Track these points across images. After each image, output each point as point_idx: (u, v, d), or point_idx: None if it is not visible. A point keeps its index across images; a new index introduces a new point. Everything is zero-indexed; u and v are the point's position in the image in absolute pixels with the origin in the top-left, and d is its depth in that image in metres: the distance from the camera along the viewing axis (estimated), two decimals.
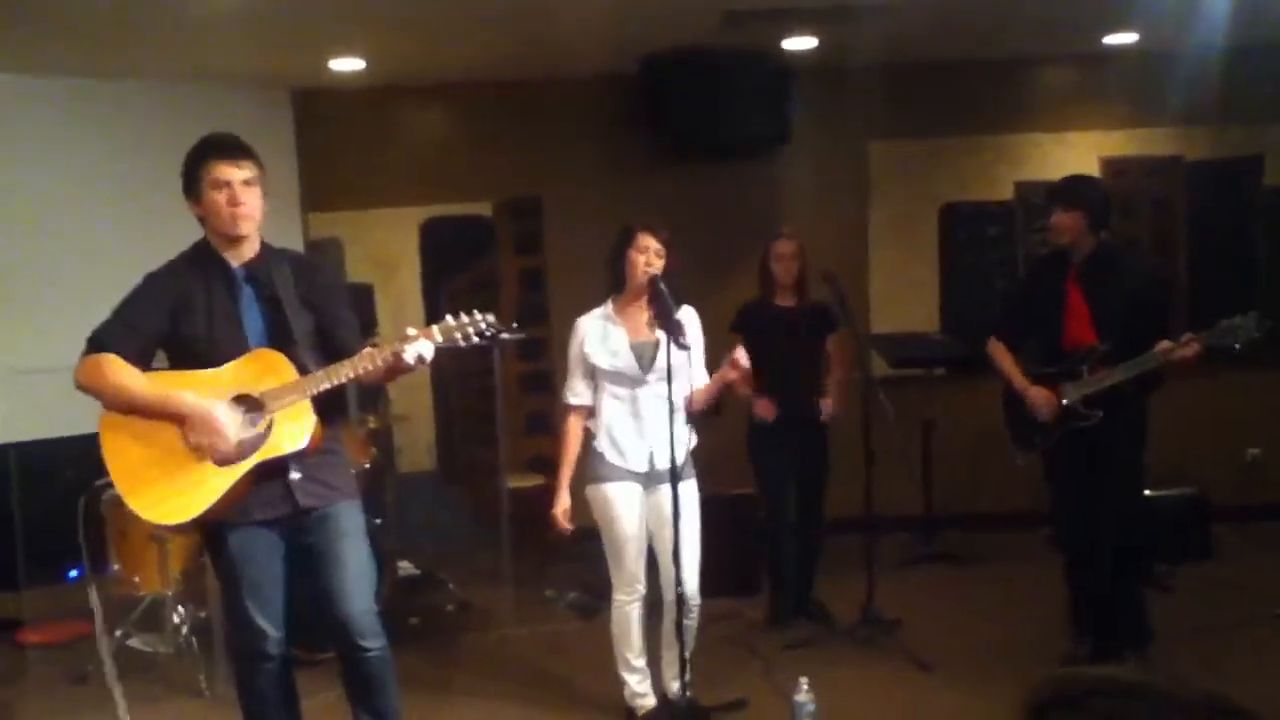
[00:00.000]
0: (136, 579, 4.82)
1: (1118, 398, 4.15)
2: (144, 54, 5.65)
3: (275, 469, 3.10)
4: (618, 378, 3.95)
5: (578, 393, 4.03)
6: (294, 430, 3.06)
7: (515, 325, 3.29)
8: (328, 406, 3.19)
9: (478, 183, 6.78)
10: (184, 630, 4.83)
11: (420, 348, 3.04)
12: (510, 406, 6.29)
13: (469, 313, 3.14)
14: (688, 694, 3.82)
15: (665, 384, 3.66)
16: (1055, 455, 4.35)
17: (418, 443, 6.61)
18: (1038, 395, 4.31)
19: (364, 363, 3.06)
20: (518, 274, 6.84)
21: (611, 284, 4.02)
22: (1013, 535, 6.21)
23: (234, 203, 3.09)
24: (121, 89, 6.02)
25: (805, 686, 3.83)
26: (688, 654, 3.91)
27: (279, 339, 3.13)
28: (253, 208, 3.13)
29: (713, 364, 4.26)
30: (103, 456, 3.10)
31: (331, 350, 3.18)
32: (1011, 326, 4.54)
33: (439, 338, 3.09)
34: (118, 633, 4.82)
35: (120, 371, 3.05)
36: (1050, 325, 4.34)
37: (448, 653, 5.00)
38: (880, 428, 4.67)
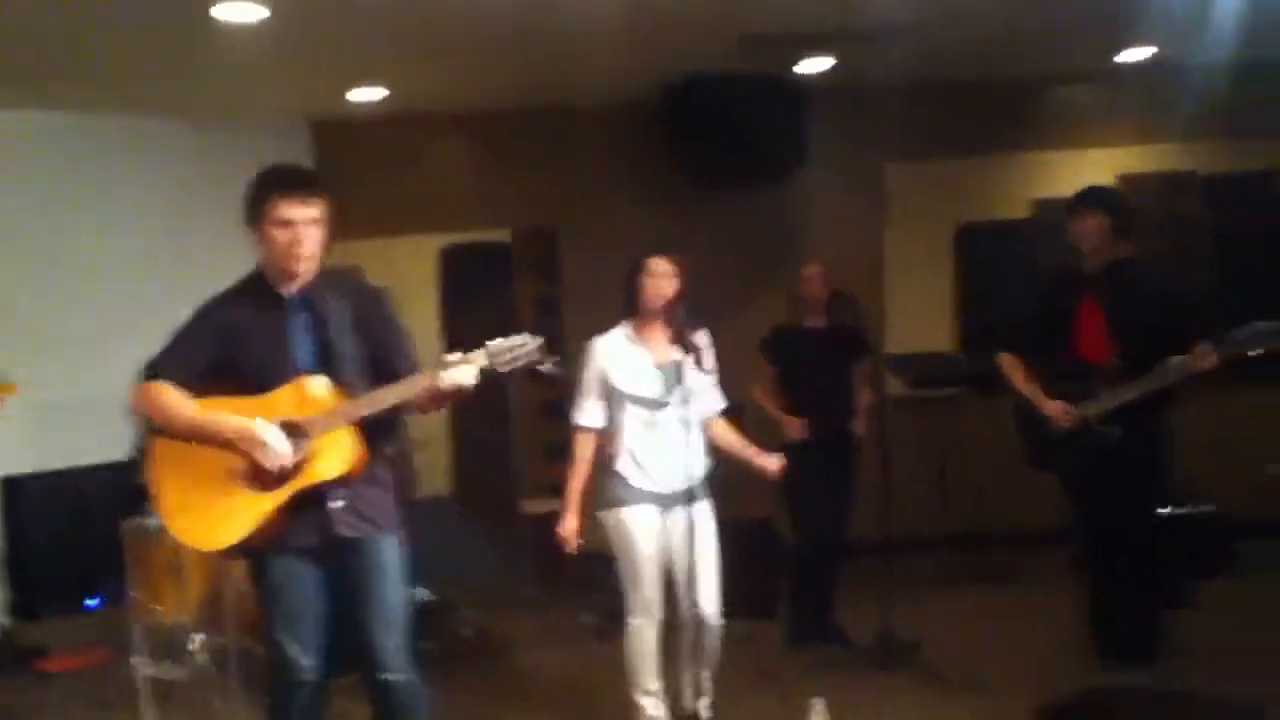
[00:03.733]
0: (155, 607, 4.84)
1: (1137, 414, 4.11)
2: (162, 88, 5.73)
3: (315, 496, 3.10)
4: (639, 400, 3.95)
5: (592, 415, 4.03)
6: (334, 457, 3.05)
7: (557, 358, 3.15)
8: (373, 436, 3.17)
9: (497, 210, 6.82)
10: (202, 658, 4.84)
11: (460, 374, 2.98)
12: (528, 433, 6.30)
13: (520, 334, 3.06)
14: (708, 716, 3.80)
15: (685, 406, 3.67)
16: (1075, 473, 4.32)
17: (434, 468, 6.62)
18: (1055, 408, 4.28)
19: (404, 390, 3.03)
20: (535, 301, 6.86)
21: (627, 310, 4.04)
22: (1034, 555, 6.14)
23: (296, 243, 3.09)
24: (140, 124, 6.11)
25: (820, 707, 3.80)
26: (707, 673, 3.90)
27: (327, 366, 3.12)
28: (313, 247, 3.13)
29: (733, 388, 4.27)
30: (150, 480, 3.15)
31: (387, 379, 3.12)
32: (1025, 341, 4.50)
33: (484, 361, 3.02)
34: (136, 660, 4.84)
35: (168, 398, 3.08)
36: (1064, 340, 4.31)
37: (464, 680, 4.98)
38: (899, 449, 4.66)
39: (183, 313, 6.41)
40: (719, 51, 5.62)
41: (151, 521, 4.94)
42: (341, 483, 3.09)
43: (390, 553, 3.24)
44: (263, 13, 4.58)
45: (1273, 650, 4.64)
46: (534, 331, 3.10)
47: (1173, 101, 6.27)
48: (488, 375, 3.03)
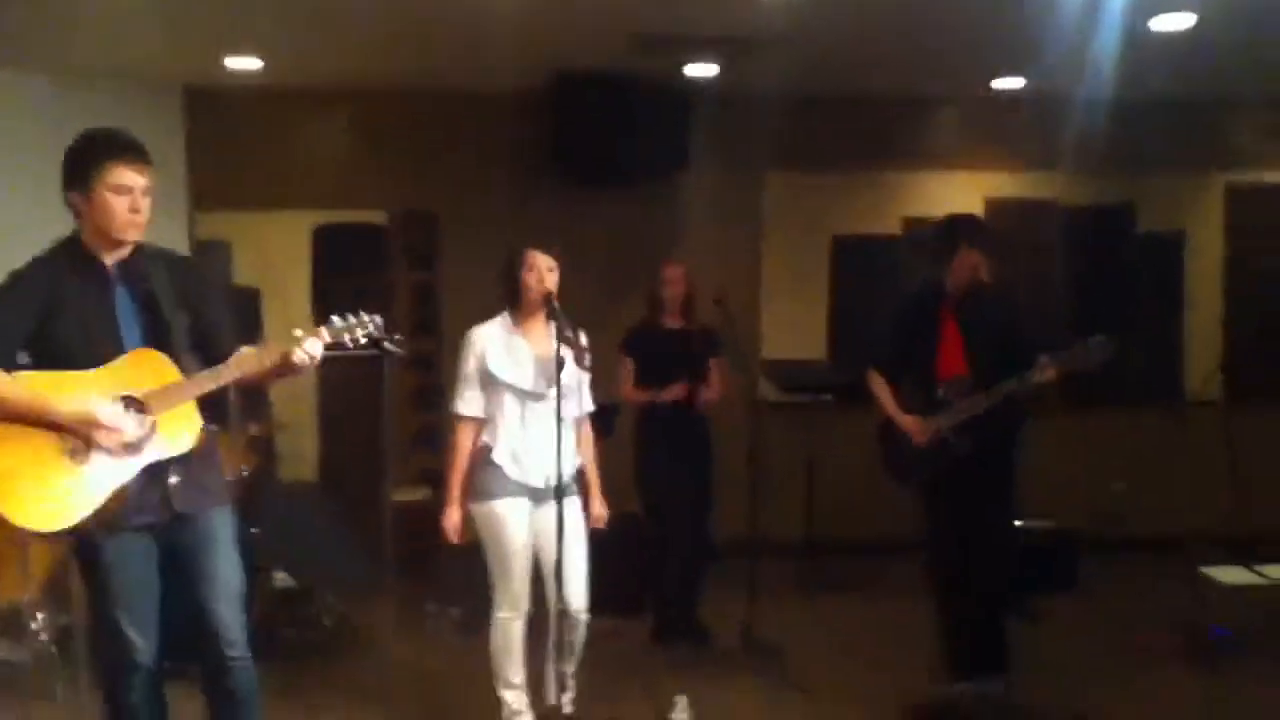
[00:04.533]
0: None
1: (990, 429, 4.28)
2: (26, 40, 5.44)
3: (154, 472, 3.02)
4: (517, 391, 3.94)
5: (472, 404, 3.99)
6: (179, 432, 3.00)
7: (399, 338, 3.36)
8: (206, 409, 3.12)
9: (374, 192, 6.70)
10: (44, 637, 4.63)
11: (308, 348, 3.06)
12: (400, 420, 6.20)
13: (356, 314, 3.19)
14: (571, 711, 3.81)
15: (561, 401, 3.68)
16: (930, 486, 4.48)
17: (301, 452, 6.47)
18: (909, 421, 4.44)
19: (250, 363, 3.04)
20: (412, 287, 6.76)
21: (506, 302, 4.03)
22: (897, 562, 6.32)
23: (135, 210, 2.99)
24: (6, 79, 5.80)
25: (682, 704, 3.85)
26: (572, 669, 3.91)
27: (157, 340, 3.03)
28: (147, 216, 3.04)
29: (605, 384, 4.29)
30: None
31: (207, 352, 3.11)
32: (892, 359, 4.65)
33: (327, 338, 3.12)
34: None
35: None
36: (926, 357, 4.47)
37: (323, 669, 4.89)
38: (770, 453, 4.75)
39: None
40: (609, 48, 5.63)
41: None
42: (183, 458, 3.04)
43: (224, 524, 3.20)
44: None
45: (1110, 663, 4.89)
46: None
47: (1042, 132, 6.53)
48: (347, 349, 3.17)
